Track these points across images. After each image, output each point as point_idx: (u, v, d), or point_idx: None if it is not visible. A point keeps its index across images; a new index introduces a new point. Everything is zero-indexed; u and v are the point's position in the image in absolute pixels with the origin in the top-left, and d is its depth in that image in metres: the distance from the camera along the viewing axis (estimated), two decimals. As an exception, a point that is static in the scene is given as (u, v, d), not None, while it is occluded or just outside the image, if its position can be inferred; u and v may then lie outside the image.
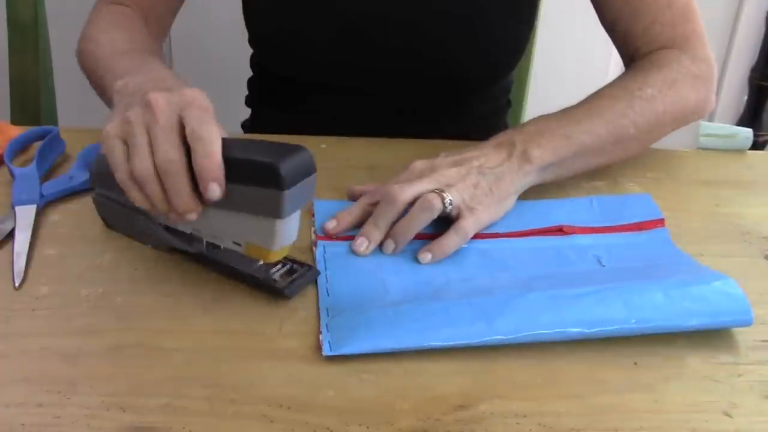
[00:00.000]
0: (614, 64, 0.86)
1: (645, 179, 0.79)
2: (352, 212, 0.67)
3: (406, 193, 0.65)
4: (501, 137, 0.71)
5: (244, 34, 0.97)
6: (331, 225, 0.66)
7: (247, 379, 0.52)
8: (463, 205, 0.65)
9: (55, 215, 0.70)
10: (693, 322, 0.56)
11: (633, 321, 0.55)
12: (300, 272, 0.61)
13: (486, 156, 0.69)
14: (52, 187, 0.71)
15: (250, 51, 1.00)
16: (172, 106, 0.55)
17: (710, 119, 1.89)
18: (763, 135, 1.86)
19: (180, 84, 0.62)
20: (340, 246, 0.65)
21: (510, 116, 1.11)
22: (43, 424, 0.49)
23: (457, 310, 0.56)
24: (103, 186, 0.65)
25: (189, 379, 0.52)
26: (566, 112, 0.74)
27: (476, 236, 0.66)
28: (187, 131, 0.54)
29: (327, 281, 0.61)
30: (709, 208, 0.75)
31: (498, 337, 0.54)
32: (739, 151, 0.85)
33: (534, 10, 0.91)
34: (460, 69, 0.89)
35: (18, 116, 1.07)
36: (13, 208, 0.68)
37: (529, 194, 0.71)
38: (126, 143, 0.56)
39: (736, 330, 0.57)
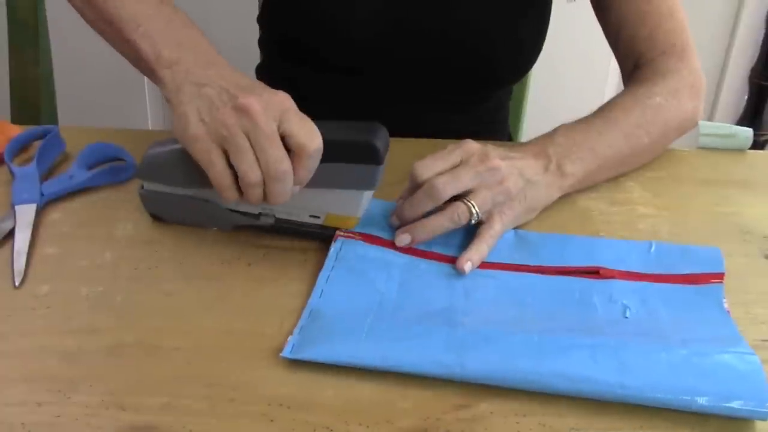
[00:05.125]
0: (614, 66, 0.87)
1: (645, 179, 0.79)
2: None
3: (448, 191, 0.64)
4: (535, 147, 0.71)
5: (251, 21, 0.95)
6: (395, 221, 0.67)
7: (247, 379, 0.52)
8: (495, 209, 0.65)
9: (56, 214, 0.70)
10: (694, 404, 0.49)
11: (619, 387, 0.50)
12: None
13: (527, 160, 0.69)
14: (52, 186, 0.71)
15: (257, 35, 0.98)
16: (269, 112, 0.58)
17: (710, 119, 1.89)
18: (763, 134, 1.86)
19: (237, 71, 0.64)
20: (358, 245, 0.64)
21: (510, 115, 1.11)
22: (44, 423, 0.49)
23: (433, 337, 0.54)
24: (156, 180, 0.66)
25: (189, 379, 0.52)
26: (587, 123, 0.74)
27: (504, 267, 0.63)
28: (293, 142, 0.58)
29: (326, 281, 0.61)
30: (710, 208, 0.75)
31: (462, 373, 0.51)
32: (739, 150, 0.85)
33: (549, 3, 0.92)
34: (495, 62, 0.89)
35: (18, 115, 1.07)
36: (14, 207, 0.68)
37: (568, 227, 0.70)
38: (223, 147, 0.58)
39: (738, 329, 0.57)
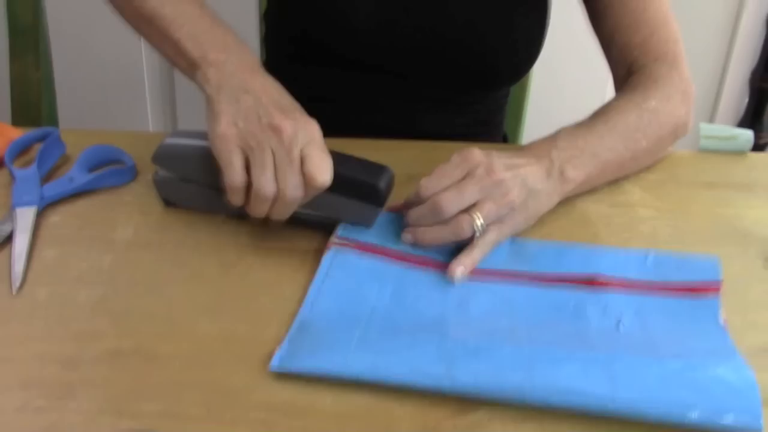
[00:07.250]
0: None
1: (646, 181, 0.78)
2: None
3: (452, 208, 0.63)
4: (538, 150, 0.70)
5: (252, 20, 0.95)
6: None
7: (246, 385, 0.52)
8: (495, 221, 0.65)
9: (56, 217, 0.70)
10: (686, 419, 0.49)
11: (610, 401, 0.50)
12: None
13: (531, 167, 0.68)
14: (52, 188, 0.71)
15: (257, 33, 0.98)
16: (298, 139, 0.61)
17: (711, 121, 1.89)
18: (763, 137, 1.86)
19: (277, 86, 0.67)
20: (350, 255, 0.64)
21: (510, 116, 1.11)
22: (41, 430, 0.49)
23: (422, 348, 0.53)
24: (172, 167, 0.69)
25: (187, 385, 0.52)
26: (589, 127, 0.74)
27: (500, 274, 0.63)
28: (307, 171, 0.60)
29: (318, 293, 0.60)
30: (710, 210, 0.74)
31: (452, 385, 0.51)
32: (739, 152, 0.85)
33: (548, 5, 0.92)
34: (493, 63, 0.89)
35: (19, 118, 1.08)
36: (14, 210, 0.68)
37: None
38: (245, 154, 0.61)
39: (736, 336, 0.57)
